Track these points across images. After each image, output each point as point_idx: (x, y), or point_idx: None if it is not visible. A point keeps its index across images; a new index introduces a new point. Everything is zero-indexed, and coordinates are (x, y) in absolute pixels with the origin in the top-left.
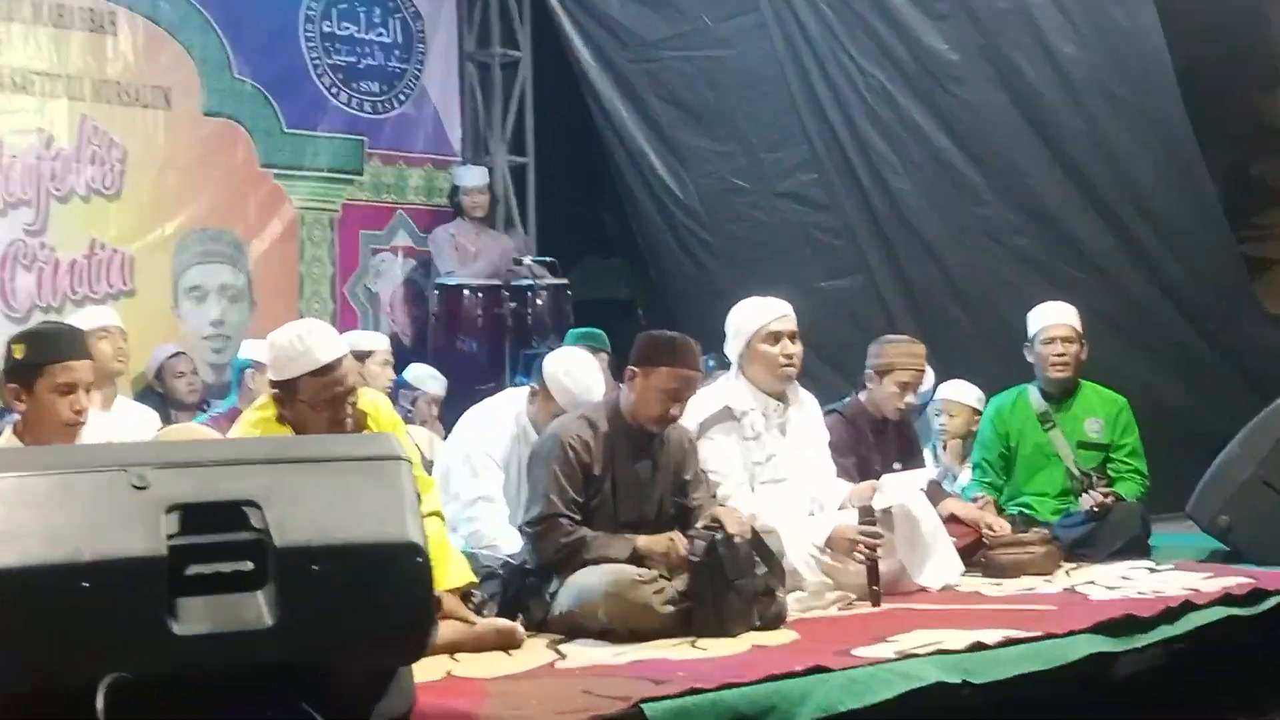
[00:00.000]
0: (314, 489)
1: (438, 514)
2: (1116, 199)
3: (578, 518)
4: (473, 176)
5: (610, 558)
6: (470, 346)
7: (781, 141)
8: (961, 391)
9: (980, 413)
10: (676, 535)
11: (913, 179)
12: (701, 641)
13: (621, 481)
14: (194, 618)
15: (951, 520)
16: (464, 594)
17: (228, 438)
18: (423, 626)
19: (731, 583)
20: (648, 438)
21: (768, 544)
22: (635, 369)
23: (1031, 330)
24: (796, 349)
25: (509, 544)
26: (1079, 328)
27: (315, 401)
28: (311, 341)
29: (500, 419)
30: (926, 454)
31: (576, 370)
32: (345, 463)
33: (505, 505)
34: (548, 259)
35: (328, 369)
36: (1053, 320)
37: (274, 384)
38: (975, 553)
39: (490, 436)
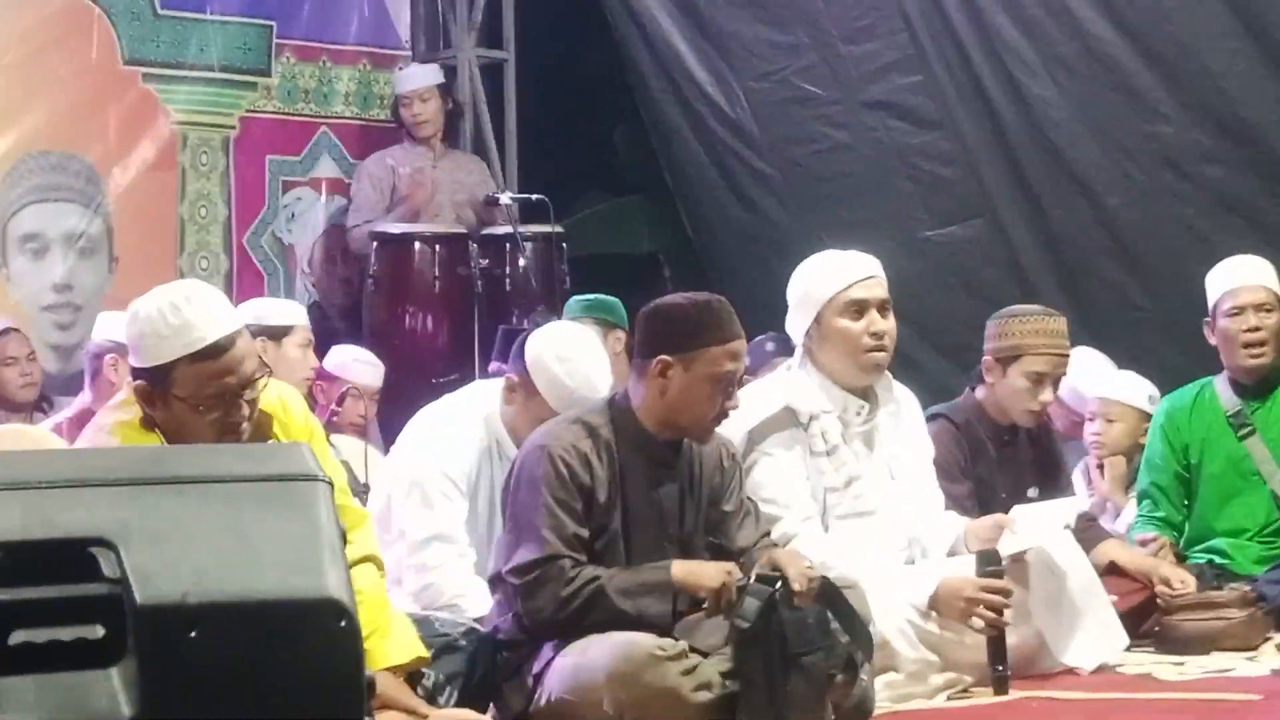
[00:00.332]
0: (192, 523)
1: (372, 559)
2: None
3: (583, 558)
4: (417, 77)
5: (643, 610)
6: (423, 322)
7: (871, 29)
8: (1124, 388)
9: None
10: (734, 566)
11: (1058, 82)
12: None
13: (635, 513)
14: (19, 706)
15: (1112, 572)
16: (411, 675)
17: (71, 449)
18: (349, 717)
19: (796, 658)
20: (672, 451)
21: (846, 602)
22: (670, 358)
23: (1212, 297)
24: (889, 325)
25: (476, 603)
26: (1278, 290)
27: (197, 398)
28: (192, 313)
29: (463, 426)
30: (1076, 477)
31: (576, 355)
32: (237, 485)
33: (470, 548)
34: (534, 197)
35: (215, 351)
36: (1241, 281)
37: (138, 373)
38: (1146, 619)
39: (449, 451)
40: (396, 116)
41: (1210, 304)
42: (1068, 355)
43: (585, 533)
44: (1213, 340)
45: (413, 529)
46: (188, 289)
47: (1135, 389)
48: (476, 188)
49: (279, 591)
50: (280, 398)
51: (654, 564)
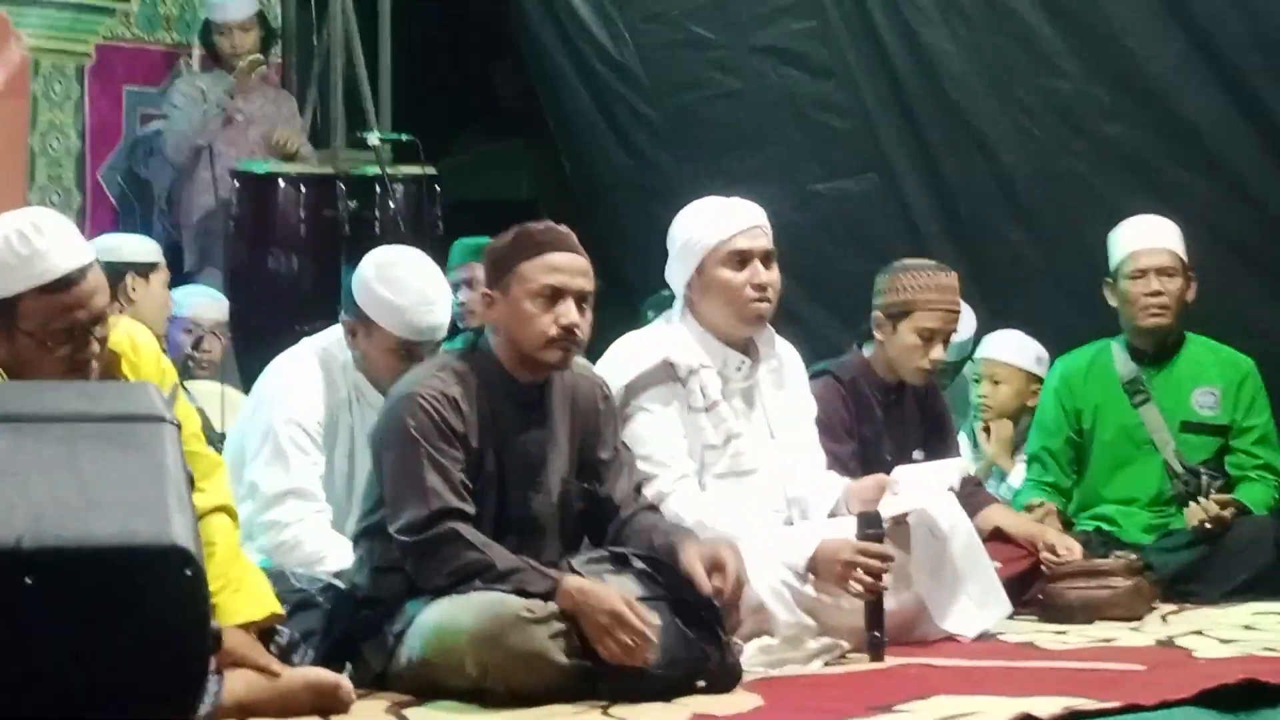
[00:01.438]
0: (29, 463)
1: (226, 509)
2: (1263, 71)
3: (474, 511)
4: (238, 6)
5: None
6: (286, 265)
7: None
8: (1012, 347)
9: (1041, 380)
10: (711, 556)
11: (956, 33)
12: (616, 708)
13: (506, 460)
14: None
15: (996, 538)
16: (265, 632)
17: None
18: (193, 673)
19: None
20: (538, 393)
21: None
22: (489, 291)
23: (1114, 258)
24: (772, 276)
25: (337, 558)
26: (1184, 255)
27: (44, 332)
28: (42, 242)
29: (316, 375)
30: (962, 440)
31: (400, 272)
32: (78, 424)
33: (327, 502)
34: (404, 137)
35: (65, 284)
36: (1145, 243)
37: None
38: (1030, 586)
39: (303, 401)
40: (207, 43)
41: (1112, 264)
42: (959, 311)
43: (469, 481)
44: (1112, 301)
45: (266, 484)
46: (37, 217)
47: (1022, 350)
48: (289, 122)
49: (121, 538)
50: (130, 336)
51: (543, 569)
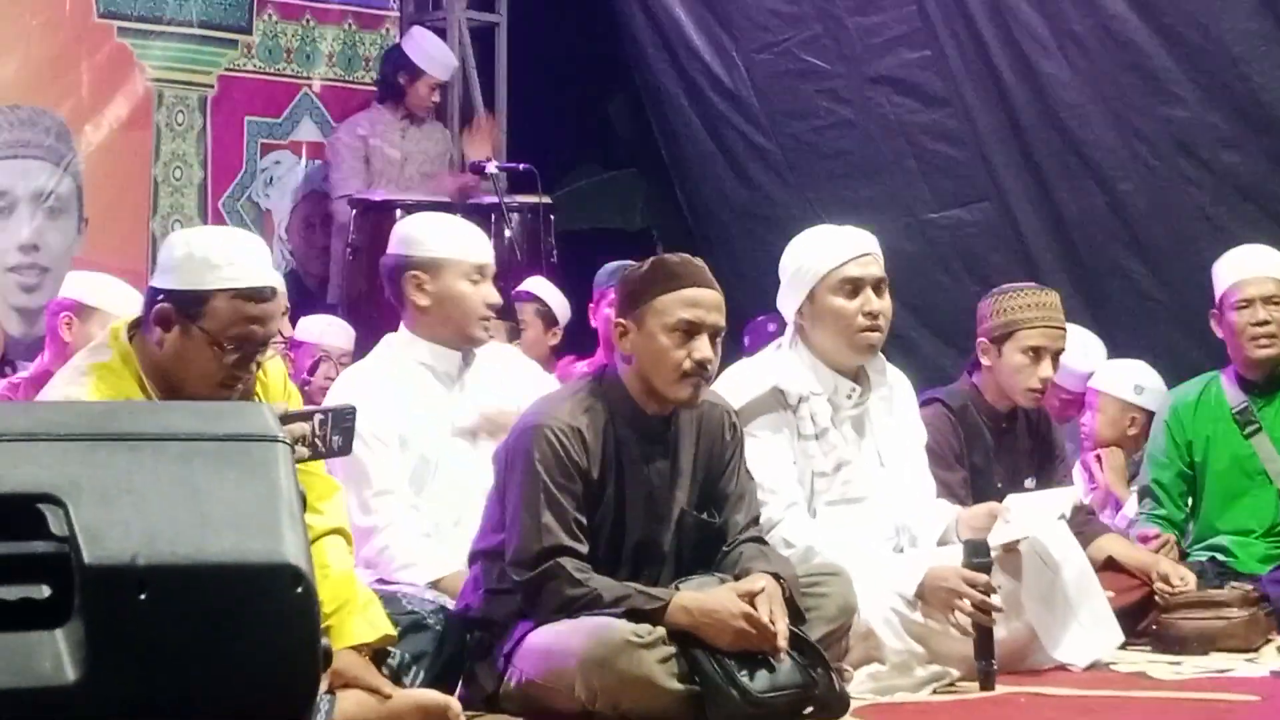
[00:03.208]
0: (145, 481)
1: (341, 532)
2: None
3: (585, 549)
4: (448, 65)
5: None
6: None
7: (878, 1)
8: (1109, 375)
9: (1140, 409)
10: (744, 589)
11: (1072, 61)
12: None
13: (628, 491)
14: None
15: (1109, 567)
16: (377, 653)
17: (22, 402)
18: (303, 692)
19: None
20: (663, 424)
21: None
22: (622, 321)
23: (1219, 289)
24: (884, 305)
25: (428, 569)
26: None
27: (223, 334)
28: (246, 253)
29: (384, 368)
30: (1076, 470)
31: (434, 220)
32: (193, 443)
33: (414, 498)
34: (521, 166)
35: (258, 295)
36: (1249, 272)
37: (166, 295)
38: (1144, 616)
39: (373, 397)
40: (391, 82)
41: (1217, 296)
42: (1064, 329)
43: (584, 519)
44: (1219, 333)
45: (357, 489)
46: (243, 233)
47: (1119, 379)
48: (441, 158)
49: (233, 555)
50: (266, 364)
51: (652, 591)
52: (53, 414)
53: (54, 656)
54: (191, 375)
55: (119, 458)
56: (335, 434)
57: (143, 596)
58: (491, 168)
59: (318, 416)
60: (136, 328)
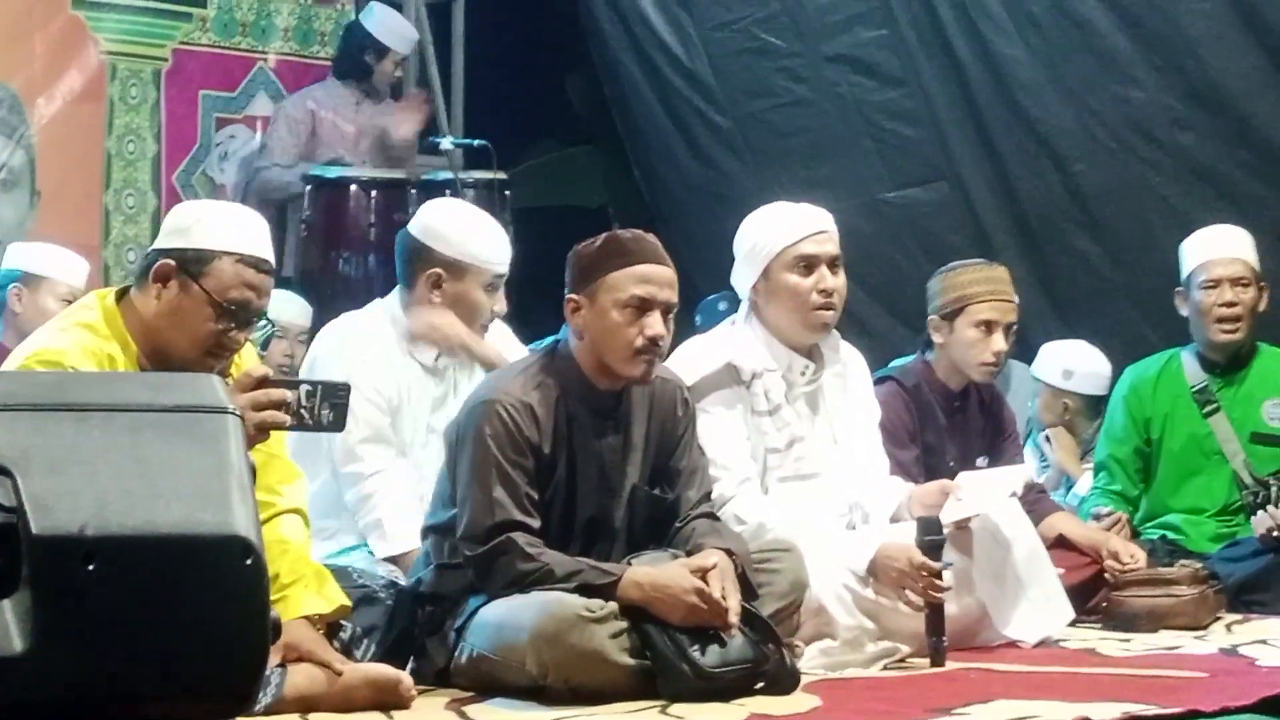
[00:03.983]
0: (94, 452)
1: (300, 513)
2: None
3: (537, 524)
4: (410, 38)
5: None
6: (357, 269)
7: None
8: (1040, 361)
9: (1070, 394)
10: (696, 564)
11: (1028, 41)
12: (675, 707)
13: (579, 466)
14: None
15: (1060, 545)
16: (330, 628)
17: None
18: (251, 664)
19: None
20: (614, 400)
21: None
22: (574, 296)
23: (1186, 267)
24: (838, 282)
25: (401, 536)
26: (1256, 264)
27: (222, 295)
28: (247, 224)
29: (375, 334)
30: (1028, 450)
31: (468, 220)
32: (143, 414)
33: (402, 451)
34: (475, 143)
35: (260, 265)
36: (1218, 253)
37: (170, 253)
38: (1094, 594)
39: (367, 361)
40: (356, 60)
41: (1184, 274)
42: (1014, 302)
43: (536, 494)
44: (1183, 311)
45: (342, 437)
46: (248, 209)
47: (1049, 365)
48: (406, 133)
49: (182, 526)
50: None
51: (604, 566)
52: (1, 384)
53: (1, 626)
54: (182, 336)
55: (67, 428)
56: (325, 408)
57: (91, 567)
58: (446, 144)
59: (304, 387)
60: (123, 295)
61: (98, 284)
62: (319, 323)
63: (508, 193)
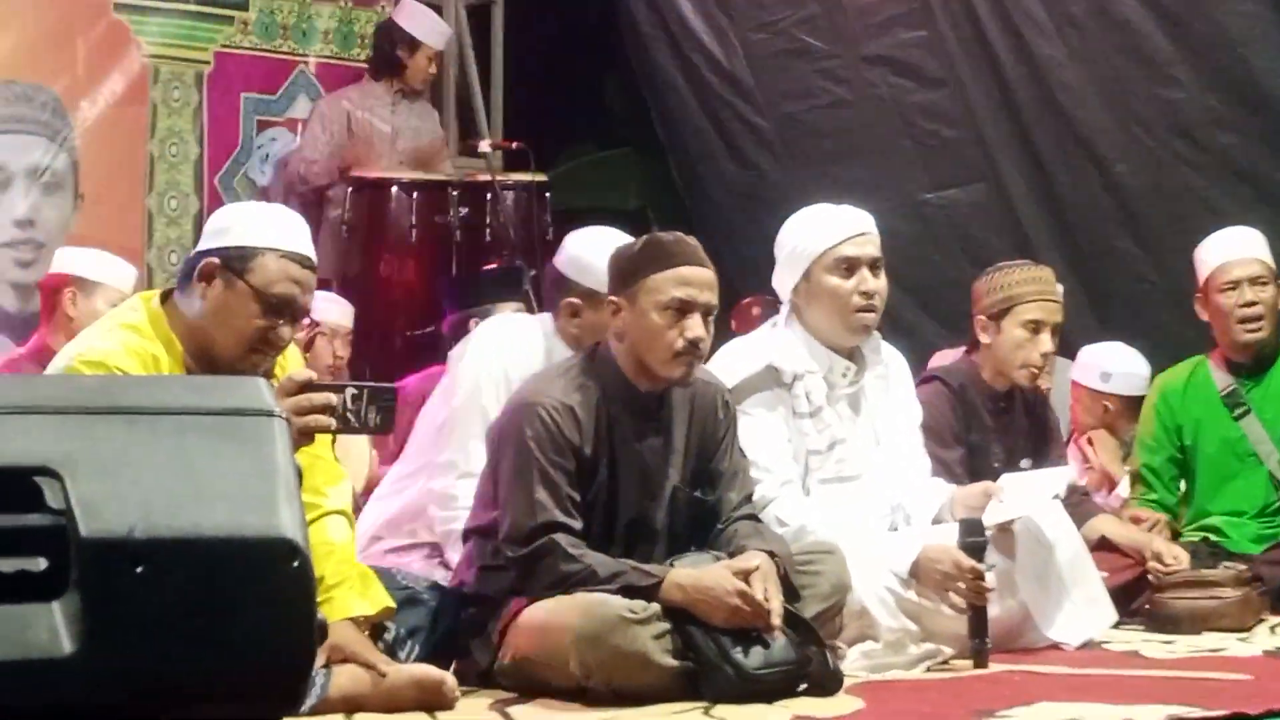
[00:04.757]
0: (141, 455)
1: (345, 514)
2: None
3: (579, 526)
4: (445, 34)
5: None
6: (398, 271)
7: None
8: (1079, 364)
9: (1110, 395)
10: (739, 566)
11: (1068, 42)
12: (718, 709)
13: (621, 468)
14: None
15: (1103, 547)
16: (374, 629)
17: (19, 375)
18: (297, 666)
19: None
20: (655, 402)
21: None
22: (615, 299)
23: (1203, 272)
24: (879, 284)
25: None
26: (1272, 263)
27: (266, 292)
28: (290, 223)
29: (529, 337)
30: (1071, 452)
31: (606, 252)
32: (189, 417)
33: None
34: (514, 145)
35: (302, 261)
36: (1234, 254)
37: (215, 252)
38: (1137, 595)
39: (521, 356)
40: (390, 57)
41: (1200, 279)
42: (1060, 302)
43: (578, 495)
44: (1204, 316)
45: (464, 427)
46: (289, 209)
47: (1087, 367)
48: (430, 134)
49: (229, 529)
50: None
51: (646, 567)
52: (49, 387)
53: (50, 629)
54: (227, 333)
55: (115, 431)
56: (372, 411)
57: (139, 569)
58: (485, 146)
59: (350, 390)
60: (167, 297)
61: (144, 289)
62: (359, 324)
63: (548, 195)
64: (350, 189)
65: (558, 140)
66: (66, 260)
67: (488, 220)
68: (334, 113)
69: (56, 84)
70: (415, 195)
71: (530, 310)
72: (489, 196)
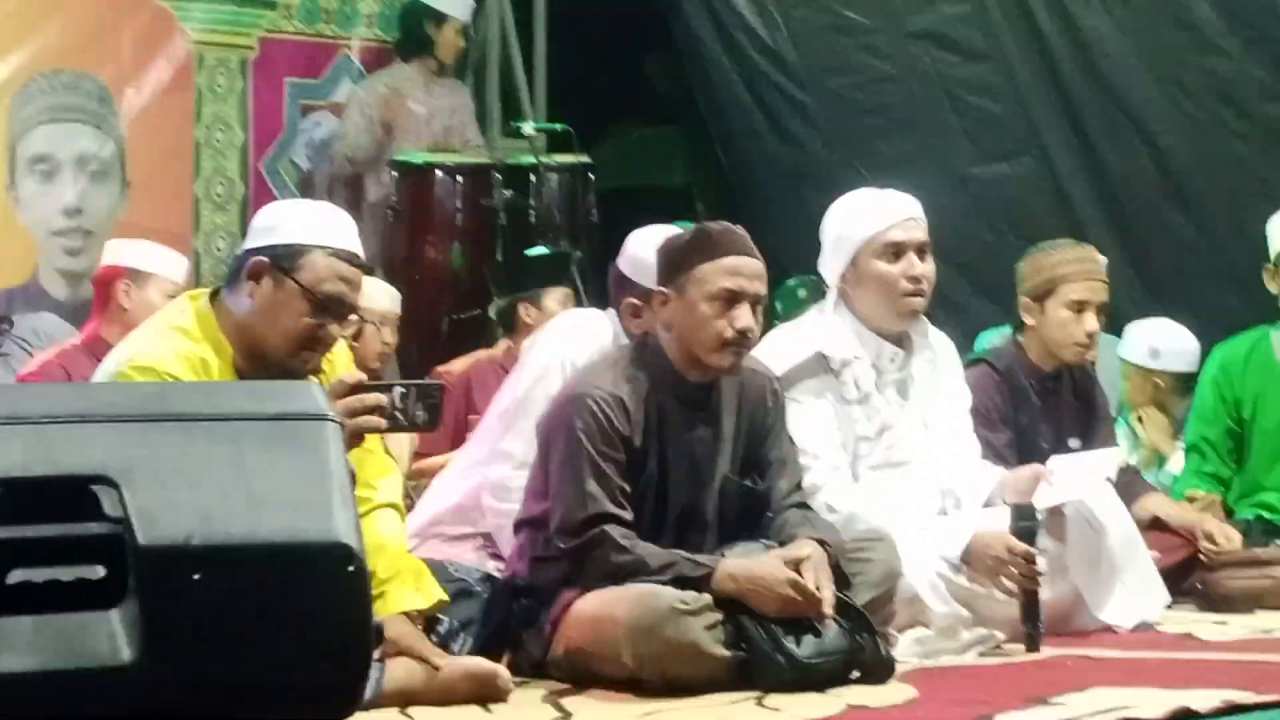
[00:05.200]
0: (197, 462)
1: (395, 507)
2: None
3: (630, 517)
4: (463, 2)
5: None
6: (443, 253)
7: None
8: (1127, 341)
9: (1160, 373)
10: (790, 556)
11: (1113, 13)
12: (771, 699)
13: (671, 459)
14: (15, 647)
15: (1155, 527)
16: (428, 621)
17: (74, 383)
18: (355, 667)
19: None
20: (704, 392)
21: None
22: (664, 289)
23: (1274, 246)
24: (927, 269)
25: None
26: None
27: (315, 289)
28: (337, 220)
29: (598, 331)
30: (1120, 430)
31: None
32: (244, 423)
33: None
34: (558, 126)
35: (351, 259)
36: None
37: (263, 250)
38: (1189, 575)
39: (589, 349)
40: (418, 35)
41: (1272, 252)
42: (1105, 281)
43: (629, 486)
44: (1272, 288)
45: (518, 419)
46: (334, 206)
47: (1136, 345)
48: (464, 111)
49: (285, 535)
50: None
51: (697, 558)
52: (104, 395)
53: (109, 636)
54: (276, 332)
55: (171, 438)
56: (420, 408)
57: (196, 576)
58: (528, 128)
59: (398, 389)
60: (214, 297)
61: (192, 277)
62: (406, 310)
63: (592, 176)
64: (395, 174)
65: (601, 119)
66: (118, 252)
67: (532, 203)
68: (370, 97)
69: (102, 72)
70: (459, 179)
71: (577, 294)
72: (533, 179)
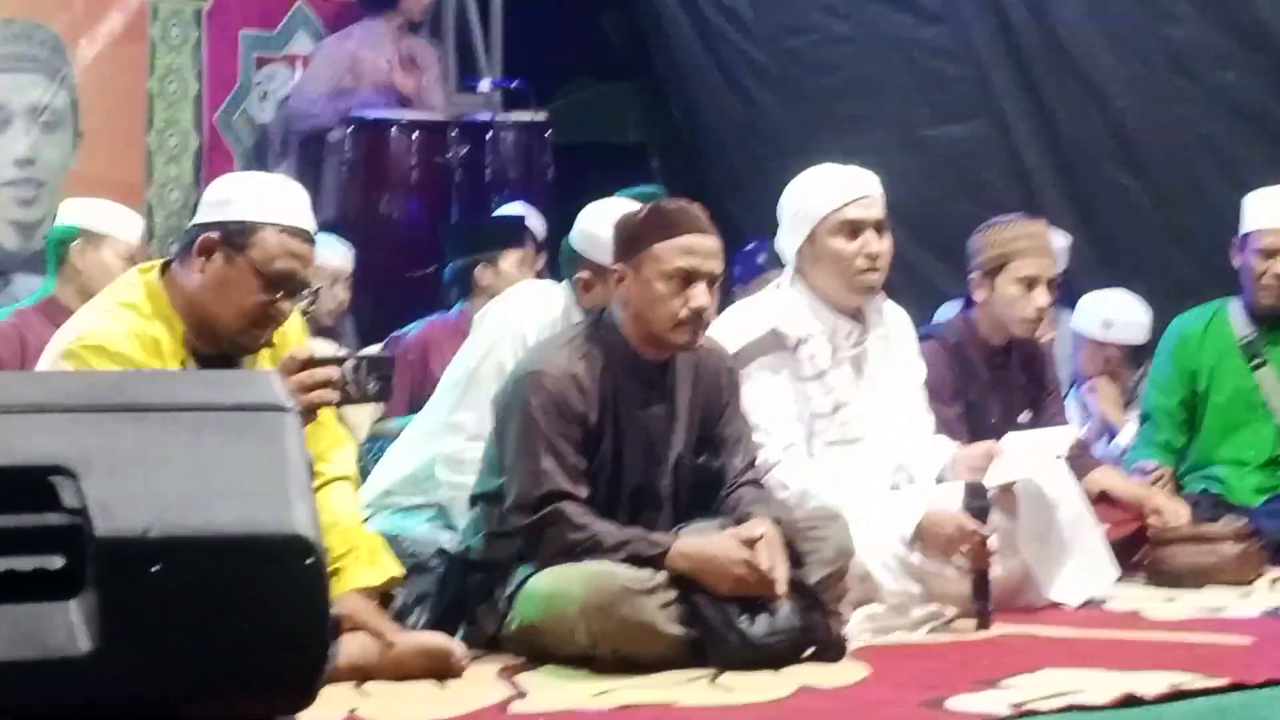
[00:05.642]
0: (155, 452)
1: (349, 479)
2: None
3: (585, 494)
4: None
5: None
6: (401, 212)
7: None
8: (1080, 313)
9: (1112, 345)
10: (744, 535)
11: None
12: (724, 677)
13: (626, 436)
14: None
15: (1103, 501)
16: (382, 597)
17: (30, 372)
18: (313, 659)
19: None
20: (659, 370)
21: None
22: (620, 265)
23: (1246, 224)
24: (884, 246)
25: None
26: None
27: (267, 267)
28: (289, 195)
29: (551, 303)
30: (1070, 404)
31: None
32: (202, 413)
33: None
34: (514, 82)
35: (302, 236)
36: (1276, 222)
37: (213, 226)
38: (1137, 549)
39: (542, 321)
40: None
41: (1241, 229)
42: (1054, 257)
43: (584, 463)
44: (1236, 263)
45: (475, 391)
46: (286, 179)
47: (1088, 317)
48: (438, 73)
49: (244, 527)
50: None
51: (652, 536)
52: (62, 384)
53: (67, 627)
54: (228, 308)
55: (128, 428)
56: (371, 380)
57: (155, 568)
58: (484, 85)
59: (349, 362)
60: (164, 270)
61: (146, 235)
62: (360, 265)
63: (548, 134)
64: (349, 129)
65: (557, 75)
66: (73, 212)
67: (488, 160)
68: (338, 53)
69: (55, 22)
70: (415, 135)
71: (533, 255)
72: (489, 136)
